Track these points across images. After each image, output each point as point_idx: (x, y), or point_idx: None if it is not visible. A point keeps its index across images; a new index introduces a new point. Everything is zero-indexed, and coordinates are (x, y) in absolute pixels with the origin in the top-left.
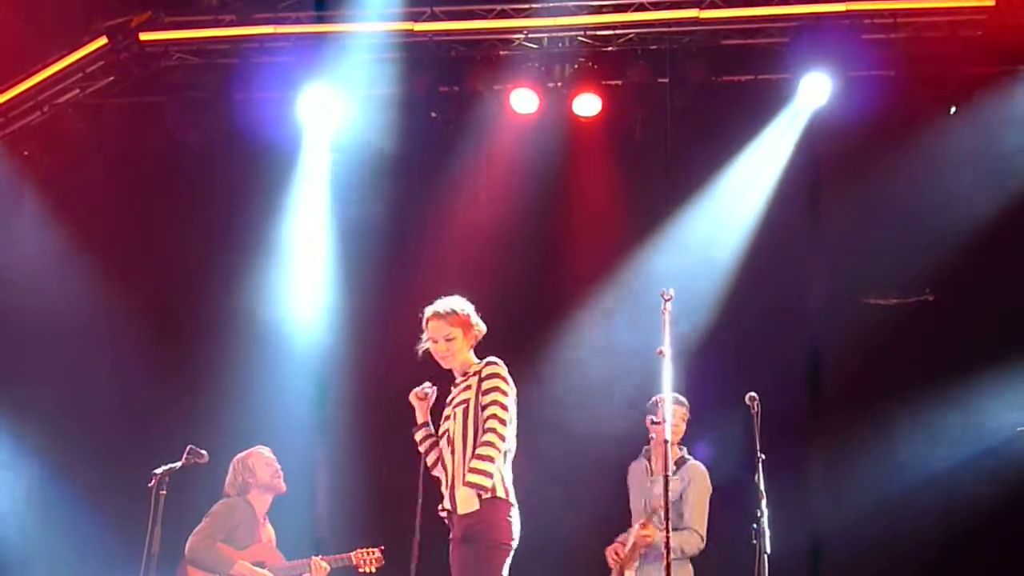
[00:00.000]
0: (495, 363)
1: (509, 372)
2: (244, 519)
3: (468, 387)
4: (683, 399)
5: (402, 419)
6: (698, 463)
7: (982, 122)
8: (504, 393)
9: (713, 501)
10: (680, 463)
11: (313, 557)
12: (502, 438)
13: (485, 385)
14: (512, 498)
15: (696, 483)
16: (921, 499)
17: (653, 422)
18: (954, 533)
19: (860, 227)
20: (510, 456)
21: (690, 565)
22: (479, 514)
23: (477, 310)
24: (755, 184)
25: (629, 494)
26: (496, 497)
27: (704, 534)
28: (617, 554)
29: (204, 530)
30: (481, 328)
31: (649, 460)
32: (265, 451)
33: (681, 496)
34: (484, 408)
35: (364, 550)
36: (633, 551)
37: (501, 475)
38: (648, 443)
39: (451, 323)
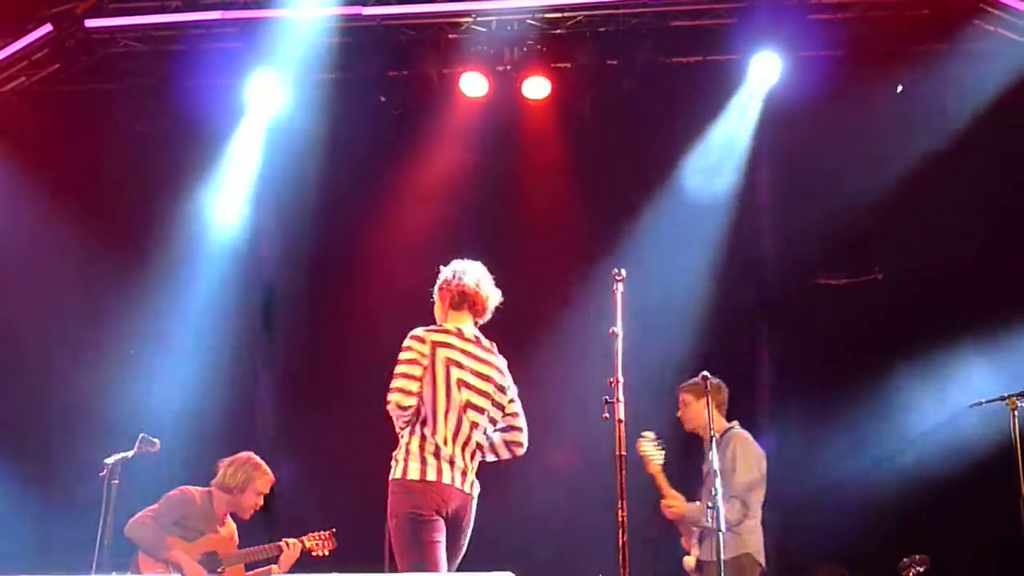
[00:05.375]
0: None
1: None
2: (198, 511)
3: None
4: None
5: (354, 402)
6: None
7: (929, 99)
8: (403, 349)
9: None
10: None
11: (284, 540)
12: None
13: None
14: (416, 475)
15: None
16: (876, 475)
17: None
18: (906, 507)
19: (810, 207)
20: (435, 423)
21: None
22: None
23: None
24: (705, 165)
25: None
26: (395, 478)
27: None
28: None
29: (150, 510)
30: (454, 285)
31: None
32: (270, 480)
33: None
34: None
35: (316, 533)
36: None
37: (407, 455)
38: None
39: None
